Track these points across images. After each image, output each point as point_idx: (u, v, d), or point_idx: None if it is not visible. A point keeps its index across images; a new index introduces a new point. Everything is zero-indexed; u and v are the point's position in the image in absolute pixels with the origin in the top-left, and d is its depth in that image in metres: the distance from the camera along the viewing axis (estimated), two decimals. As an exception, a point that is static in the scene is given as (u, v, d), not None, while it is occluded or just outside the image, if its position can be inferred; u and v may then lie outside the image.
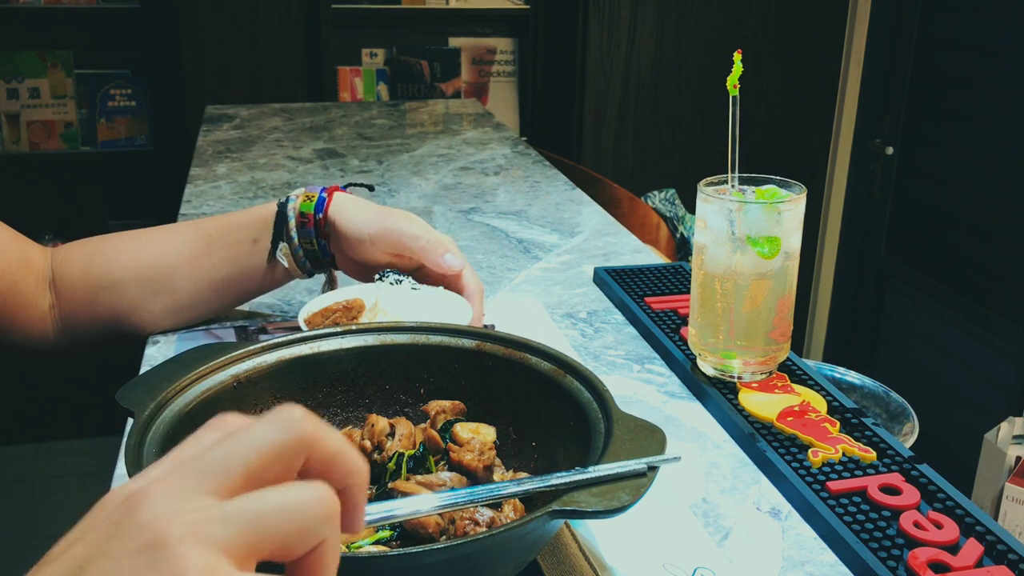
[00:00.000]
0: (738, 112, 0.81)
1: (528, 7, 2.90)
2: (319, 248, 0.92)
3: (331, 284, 0.98)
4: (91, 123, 2.76)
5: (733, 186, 0.83)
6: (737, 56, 0.81)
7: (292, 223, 0.90)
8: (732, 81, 0.81)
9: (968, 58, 2.42)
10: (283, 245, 0.91)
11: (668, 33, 2.81)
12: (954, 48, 2.48)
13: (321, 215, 0.90)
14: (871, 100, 2.77)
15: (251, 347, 0.69)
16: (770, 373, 0.86)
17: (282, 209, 0.91)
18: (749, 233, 0.80)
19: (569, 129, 2.92)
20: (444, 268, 0.89)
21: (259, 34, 2.74)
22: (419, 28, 2.94)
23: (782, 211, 0.80)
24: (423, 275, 0.92)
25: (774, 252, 0.80)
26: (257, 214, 0.92)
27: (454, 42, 2.96)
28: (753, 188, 0.84)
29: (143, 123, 2.80)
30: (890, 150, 2.68)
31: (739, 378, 0.85)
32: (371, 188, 1.08)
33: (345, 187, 0.95)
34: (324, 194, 0.91)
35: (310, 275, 0.95)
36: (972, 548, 0.63)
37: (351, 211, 0.90)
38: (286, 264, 0.92)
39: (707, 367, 0.87)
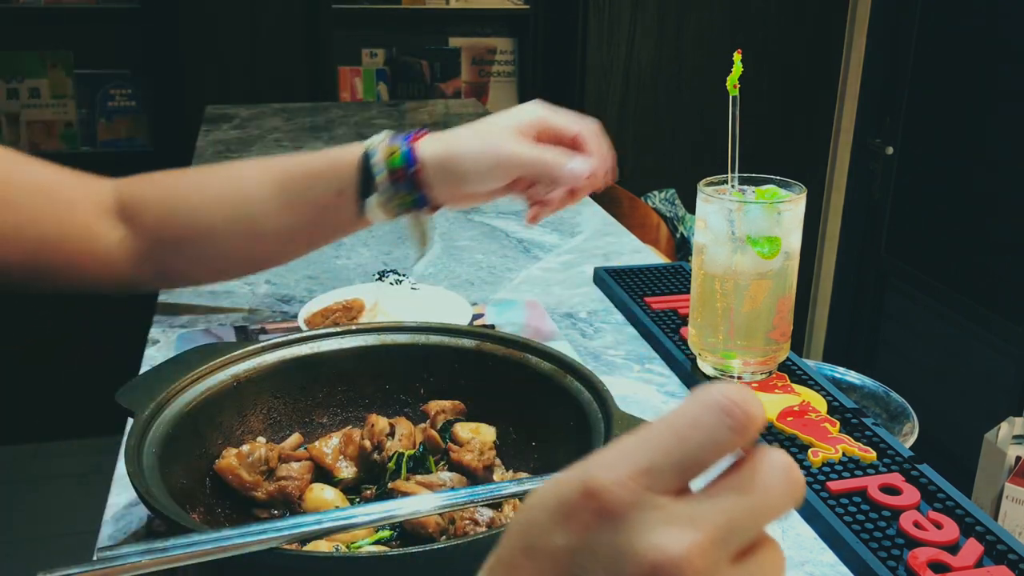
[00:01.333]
0: (738, 112, 0.81)
1: (528, 7, 2.90)
2: (415, 200, 0.88)
3: (420, 230, 0.94)
4: (91, 123, 2.76)
5: (733, 186, 0.83)
6: (737, 56, 0.81)
7: (382, 177, 0.86)
8: (732, 81, 0.81)
9: (968, 58, 2.42)
10: (372, 200, 0.87)
11: (668, 33, 2.80)
12: (954, 48, 2.48)
13: (414, 168, 0.86)
14: (871, 100, 2.77)
15: (251, 347, 0.69)
16: (770, 373, 0.86)
17: (366, 165, 0.87)
18: (749, 233, 0.80)
19: (569, 129, 2.91)
20: (572, 181, 0.85)
21: (259, 34, 2.73)
22: (419, 28, 2.94)
23: (782, 211, 0.80)
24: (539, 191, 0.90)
25: (774, 252, 0.80)
26: (337, 163, 0.88)
27: (454, 42, 2.96)
28: (753, 188, 0.84)
29: (143, 123, 2.80)
30: (890, 150, 2.68)
31: (739, 378, 0.85)
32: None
33: (421, 131, 0.90)
34: (407, 146, 0.87)
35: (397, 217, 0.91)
36: (972, 548, 0.63)
37: (462, 155, 0.86)
38: (380, 218, 0.89)
39: (707, 367, 0.87)
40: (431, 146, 0.87)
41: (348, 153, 0.88)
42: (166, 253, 0.91)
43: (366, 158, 0.87)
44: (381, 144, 0.87)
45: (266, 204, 0.89)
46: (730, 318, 0.83)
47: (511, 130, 0.86)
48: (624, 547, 0.30)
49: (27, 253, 0.85)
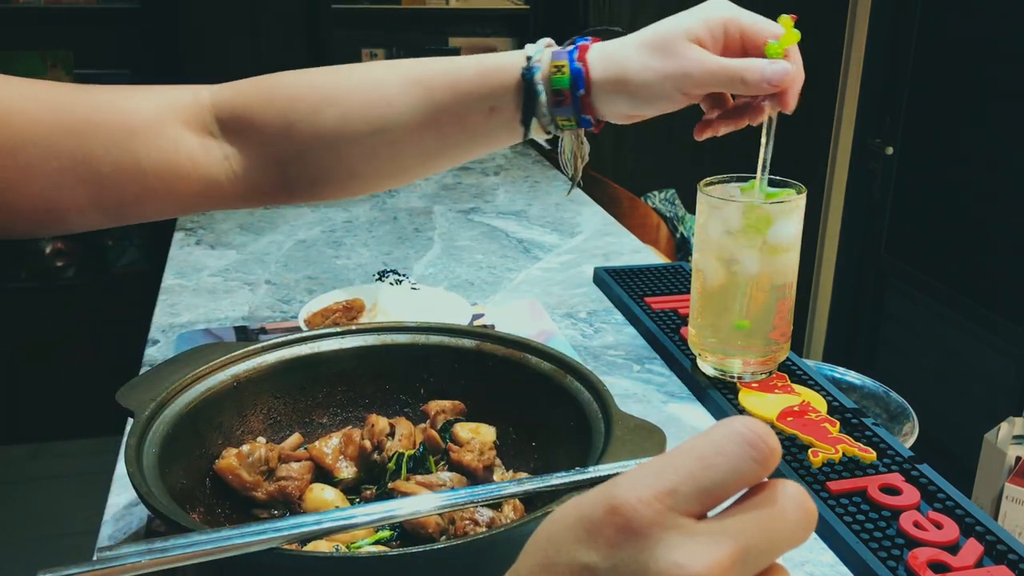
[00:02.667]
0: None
1: (528, 7, 2.90)
2: (578, 121, 0.78)
3: (580, 147, 0.84)
4: (91, 123, 2.76)
5: (761, 187, 0.82)
6: (789, 21, 0.74)
7: (543, 99, 0.76)
8: (778, 50, 0.74)
9: (968, 58, 2.42)
10: (533, 121, 0.78)
11: (668, 33, 2.80)
12: (954, 48, 2.48)
13: (583, 91, 0.76)
14: (871, 100, 2.77)
15: (251, 347, 0.69)
16: (770, 373, 0.86)
17: (528, 81, 0.76)
18: (749, 233, 0.80)
19: (569, 129, 2.92)
20: (769, 88, 0.74)
21: (259, 34, 2.73)
22: (419, 28, 2.94)
23: (782, 211, 0.80)
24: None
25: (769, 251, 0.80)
26: (488, 75, 0.78)
27: (454, 42, 2.96)
28: (739, 186, 0.83)
29: (143, 123, 2.80)
30: (890, 150, 2.68)
31: (739, 378, 0.85)
32: (621, 32, 0.82)
33: (587, 36, 0.79)
34: (578, 64, 0.76)
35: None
36: (972, 548, 0.63)
37: (636, 75, 0.75)
38: (542, 142, 0.81)
39: (707, 367, 0.87)
40: (600, 63, 0.76)
41: (503, 65, 0.78)
42: (285, 169, 0.81)
43: (527, 75, 0.76)
44: (543, 58, 0.77)
45: (405, 117, 0.79)
46: (730, 318, 0.83)
47: (690, 38, 0.75)
48: (646, 564, 0.30)
49: (90, 194, 0.76)
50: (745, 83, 0.74)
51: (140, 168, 0.76)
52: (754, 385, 0.84)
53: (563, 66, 0.76)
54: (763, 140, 0.78)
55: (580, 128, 0.80)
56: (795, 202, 0.80)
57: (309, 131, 0.79)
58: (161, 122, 0.78)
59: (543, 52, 0.77)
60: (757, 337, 0.83)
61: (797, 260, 0.83)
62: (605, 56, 0.76)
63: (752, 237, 0.80)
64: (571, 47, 0.77)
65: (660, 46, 0.75)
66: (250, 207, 0.86)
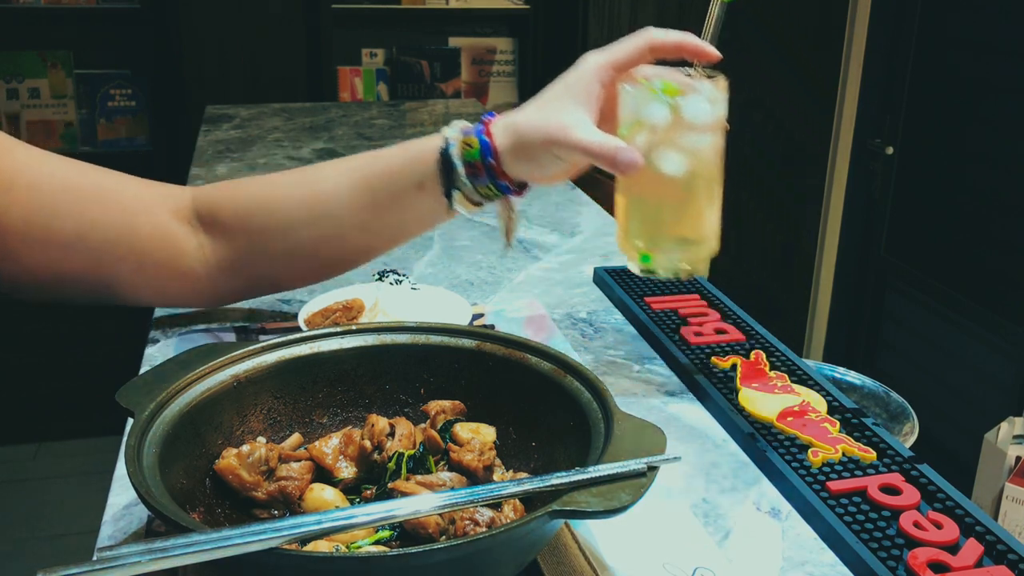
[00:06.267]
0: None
1: (528, 7, 2.90)
2: (498, 189, 0.85)
3: (509, 214, 0.91)
4: (91, 123, 2.76)
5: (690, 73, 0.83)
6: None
7: (461, 171, 0.84)
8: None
9: (968, 58, 2.42)
10: (457, 193, 0.86)
11: (668, 33, 2.80)
12: (954, 48, 2.48)
13: (492, 159, 0.83)
14: (871, 100, 2.77)
15: (251, 347, 0.69)
16: (697, 277, 0.84)
17: (446, 157, 0.85)
18: (659, 122, 0.79)
19: (569, 129, 2.92)
20: (626, 171, 0.79)
21: (259, 34, 2.74)
22: (419, 28, 2.94)
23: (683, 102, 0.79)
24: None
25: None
26: (415, 156, 0.87)
27: (454, 42, 2.97)
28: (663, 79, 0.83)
29: (143, 123, 2.80)
30: (890, 150, 2.68)
31: (665, 278, 0.83)
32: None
33: (493, 112, 0.88)
34: (485, 137, 0.84)
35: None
36: (972, 548, 0.63)
37: (529, 140, 0.82)
38: (465, 212, 0.87)
39: (633, 267, 0.85)
40: (502, 131, 0.84)
41: (427, 146, 0.87)
42: (246, 256, 0.91)
43: (444, 151, 0.85)
44: (456, 136, 0.86)
45: (345, 201, 0.88)
46: (639, 213, 0.82)
47: (574, 101, 0.82)
48: None
49: (91, 261, 0.86)
50: (606, 164, 0.79)
51: (139, 242, 0.88)
52: (754, 384, 0.84)
53: (472, 142, 0.85)
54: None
55: (503, 195, 0.87)
56: (709, 89, 0.79)
57: (263, 220, 0.90)
58: (156, 207, 0.90)
59: (456, 132, 0.86)
60: (665, 235, 0.82)
61: (714, 153, 0.80)
62: (506, 125, 0.85)
63: (661, 127, 0.79)
64: (479, 123, 0.86)
65: (549, 110, 0.83)
66: (224, 302, 0.98)
